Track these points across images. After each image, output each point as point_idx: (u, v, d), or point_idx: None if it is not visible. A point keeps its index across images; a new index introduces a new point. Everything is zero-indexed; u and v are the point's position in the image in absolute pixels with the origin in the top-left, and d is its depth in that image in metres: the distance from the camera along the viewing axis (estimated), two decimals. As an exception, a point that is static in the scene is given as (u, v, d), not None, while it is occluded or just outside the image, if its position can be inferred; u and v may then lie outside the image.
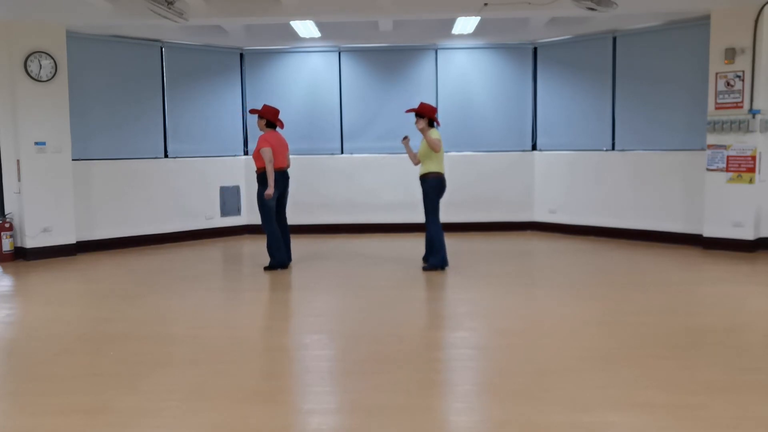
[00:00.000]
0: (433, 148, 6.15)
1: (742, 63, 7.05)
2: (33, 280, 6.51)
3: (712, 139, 7.33)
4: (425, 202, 6.40)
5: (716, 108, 7.25)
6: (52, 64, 7.39)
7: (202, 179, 8.99)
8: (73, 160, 7.70)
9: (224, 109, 9.21)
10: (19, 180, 7.40)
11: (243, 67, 9.34)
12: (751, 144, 7.08)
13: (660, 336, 4.26)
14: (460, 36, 8.97)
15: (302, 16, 7.48)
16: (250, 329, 4.68)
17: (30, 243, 7.42)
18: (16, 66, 7.22)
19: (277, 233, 6.61)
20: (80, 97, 7.85)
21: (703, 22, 7.43)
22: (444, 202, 6.65)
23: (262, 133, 6.69)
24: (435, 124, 6.41)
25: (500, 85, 9.23)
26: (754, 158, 7.09)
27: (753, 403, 3.18)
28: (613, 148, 8.46)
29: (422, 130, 6.27)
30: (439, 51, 9.24)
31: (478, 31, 8.79)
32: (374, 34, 9.04)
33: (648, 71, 8.04)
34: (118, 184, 8.22)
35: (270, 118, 6.67)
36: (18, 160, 7.38)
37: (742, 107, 7.09)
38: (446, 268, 6.47)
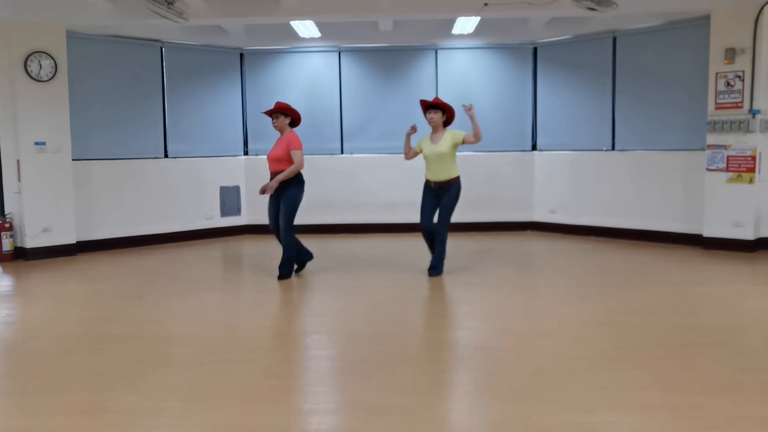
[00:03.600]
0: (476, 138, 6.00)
1: (742, 63, 7.05)
2: (33, 280, 6.51)
3: (712, 139, 7.33)
4: (454, 207, 6.18)
5: (716, 108, 7.25)
6: (52, 64, 7.38)
7: (202, 179, 8.99)
8: (73, 160, 7.70)
9: (224, 109, 9.21)
10: (19, 180, 7.40)
11: (243, 67, 9.34)
12: (751, 144, 7.08)
13: (660, 336, 4.26)
14: (460, 36, 8.97)
15: (302, 16, 7.48)
16: (250, 329, 4.68)
17: (30, 243, 7.42)
18: (16, 66, 7.22)
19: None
20: (80, 97, 7.85)
21: (703, 22, 7.43)
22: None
23: (278, 133, 6.28)
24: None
25: (500, 85, 9.23)
26: (754, 158, 7.09)
27: (753, 403, 3.18)
28: (613, 148, 8.46)
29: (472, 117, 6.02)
30: (439, 51, 9.24)
31: (478, 31, 8.79)
32: (374, 34, 9.04)
33: (648, 71, 8.04)
34: (118, 184, 8.22)
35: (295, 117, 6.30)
36: (18, 160, 7.38)
37: (742, 107, 7.09)
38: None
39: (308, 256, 6.54)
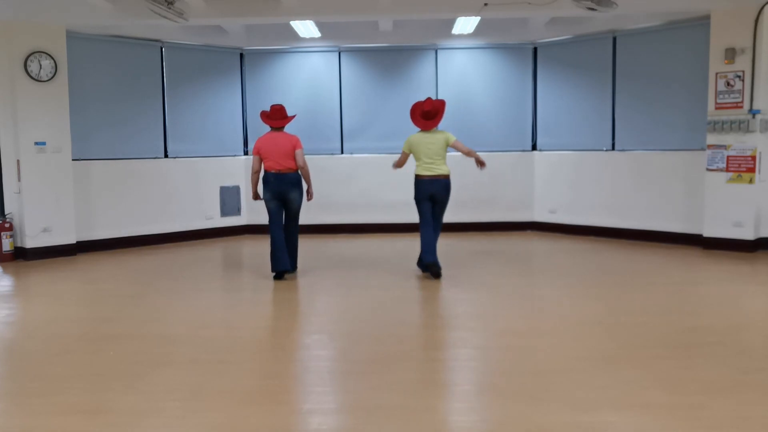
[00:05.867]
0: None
1: (742, 63, 7.05)
2: (33, 280, 6.51)
3: (712, 139, 7.33)
4: (447, 203, 6.24)
5: (716, 108, 7.25)
6: (52, 64, 7.38)
7: (202, 179, 8.99)
8: (73, 160, 7.70)
9: (224, 109, 9.21)
10: (19, 180, 7.40)
11: (243, 67, 9.34)
12: (751, 144, 7.08)
13: (660, 336, 4.26)
14: (460, 36, 8.97)
15: (302, 16, 7.48)
16: (250, 329, 4.68)
17: (30, 243, 7.42)
18: (16, 66, 7.22)
19: (273, 236, 6.18)
20: (80, 97, 7.85)
21: (703, 22, 7.42)
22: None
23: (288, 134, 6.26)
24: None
25: (500, 85, 9.23)
26: (754, 158, 7.09)
27: (753, 403, 3.18)
28: (613, 148, 8.46)
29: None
30: (439, 51, 9.24)
31: (478, 31, 8.79)
32: (374, 34, 9.04)
33: (648, 71, 8.04)
34: (118, 184, 8.22)
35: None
36: (18, 160, 7.37)
37: (742, 107, 7.08)
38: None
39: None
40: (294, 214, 6.27)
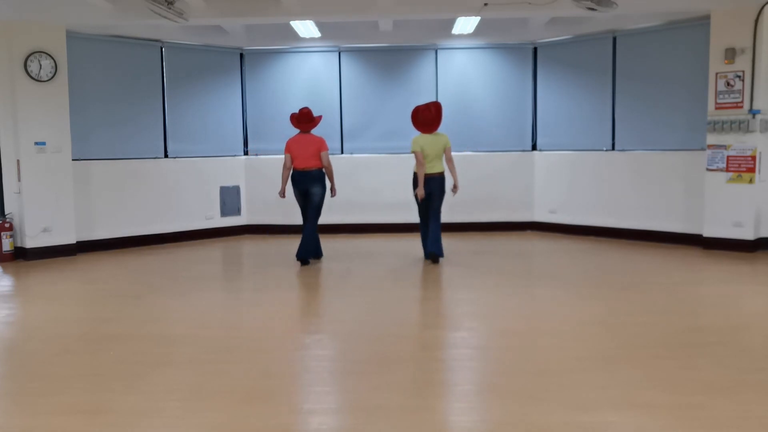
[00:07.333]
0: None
1: (742, 63, 7.05)
2: (33, 280, 6.51)
3: (712, 139, 7.33)
4: (443, 197, 6.88)
5: (716, 108, 7.25)
6: (52, 64, 7.38)
7: (202, 179, 8.99)
8: (73, 160, 7.70)
9: (224, 109, 9.20)
10: (19, 180, 7.40)
11: (243, 67, 9.34)
12: (751, 144, 7.08)
13: (660, 336, 4.26)
14: (460, 36, 8.97)
15: (302, 16, 7.48)
16: (250, 329, 4.68)
17: (30, 243, 7.42)
18: (16, 66, 7.22)
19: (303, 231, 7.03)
20: (80, 97, 7.85)
21: (703, 22, 7.43)
22: (444, 201, 6.80)
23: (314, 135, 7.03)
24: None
25: (500, 85, 9.23)
26: (754, 158, 7.09)
27: (753, 403, 3.18)
28: (613, 148, 8.46)
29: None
30: (439, 51, 9.23)
31: (478, 31, 8.79)
32: (374, 34, 9.03)
33: (648, 71, 8.04)
34: (118, 184, 8.22)
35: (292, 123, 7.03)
36: (18, 160, 7.37)
37: (742, 107, 7.08)
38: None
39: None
40: (315, 206, 6.89)
